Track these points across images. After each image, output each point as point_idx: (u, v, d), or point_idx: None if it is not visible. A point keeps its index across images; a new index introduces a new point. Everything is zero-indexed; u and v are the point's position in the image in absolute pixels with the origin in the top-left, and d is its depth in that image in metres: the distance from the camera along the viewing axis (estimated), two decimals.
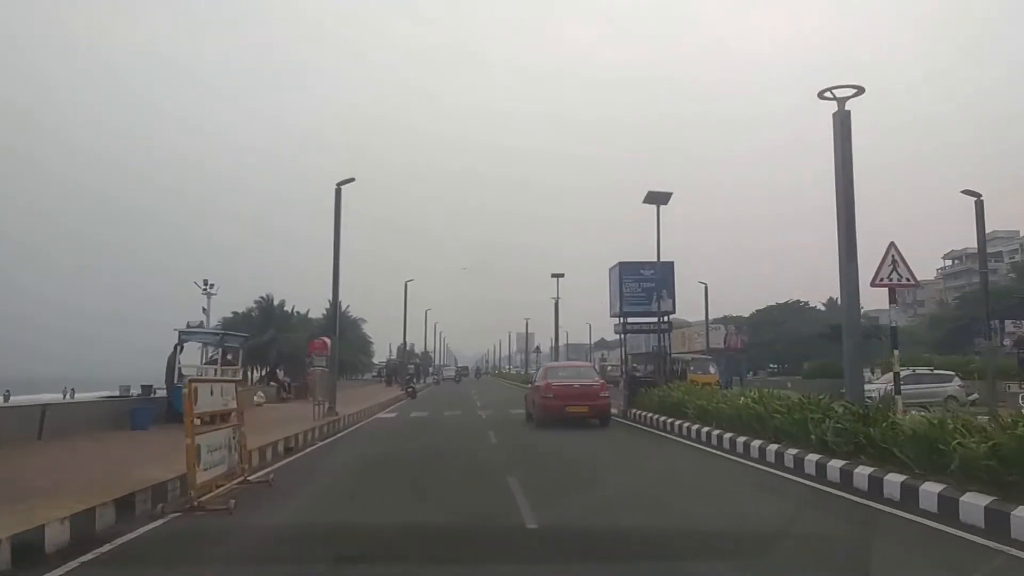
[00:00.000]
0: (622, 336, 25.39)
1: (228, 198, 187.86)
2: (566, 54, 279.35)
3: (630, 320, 23.62)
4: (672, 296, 22.60)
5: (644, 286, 22.74)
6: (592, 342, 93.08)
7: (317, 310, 78.93)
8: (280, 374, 30.07)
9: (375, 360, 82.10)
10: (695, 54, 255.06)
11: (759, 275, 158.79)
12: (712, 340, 46.58)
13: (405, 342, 45.52)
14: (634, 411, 21.37)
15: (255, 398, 25.66)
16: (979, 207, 23.30)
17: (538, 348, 61.37)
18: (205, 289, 51.29)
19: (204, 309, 51.37)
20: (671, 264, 22.77)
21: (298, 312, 79.37)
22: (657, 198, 21.76)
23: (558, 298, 40.17)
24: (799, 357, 61.22)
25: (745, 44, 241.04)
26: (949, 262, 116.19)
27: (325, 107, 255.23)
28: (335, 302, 22.89)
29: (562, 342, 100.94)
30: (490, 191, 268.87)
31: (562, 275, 40.20)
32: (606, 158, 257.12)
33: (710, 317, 78.51)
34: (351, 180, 22.70)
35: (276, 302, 71.29)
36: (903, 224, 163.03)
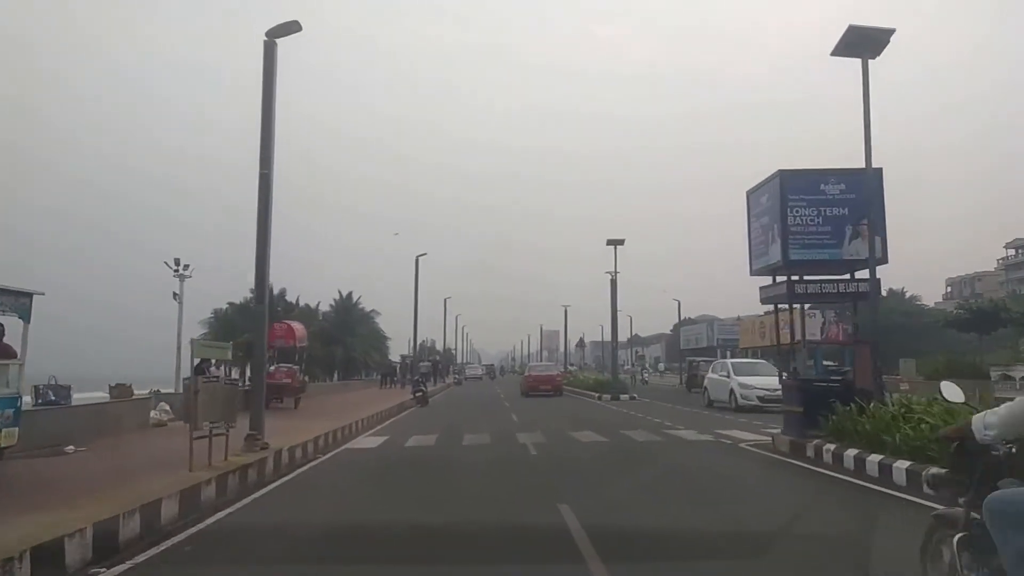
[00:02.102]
0: (782, 309, 14.64)
1: (232, 190, 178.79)
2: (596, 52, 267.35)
3: (798, 276, 12.83)
4: (882, 232, 11.87)
5: (829, 214, 11.95)
6: (630, 336, 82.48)
7: (328, 303, 69.14)
8: (218, 371, 19.51)
9: (392, 358, 72.16)
10: (722, 48, 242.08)
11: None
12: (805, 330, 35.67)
13: (416, 331, 34.36)
14: (825, 447, 10.79)
15: (153, 414, 15.32)
16: None
17: (581, 340, 50.81)
18: (177, 270, 41.39)
19: (175, 295, 41.46)
20: (879, 173, 11.96)
21: (308, 305, 69.48)
22: (861, 44, 11.10)
23: (616, 272, 29.44)
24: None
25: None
26: (1012, 251, 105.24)
27: (342, 106, 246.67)
28: (263, 239, 12.24)
29: (588, 339, 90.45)
30: (504, 190, 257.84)
31: (621, 242, 29.42)
32: (624, 156, 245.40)
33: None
34: (294, 29, 12.23)
35: (276, 291, 61.29)
36: (961, 213, 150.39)
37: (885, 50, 11.13)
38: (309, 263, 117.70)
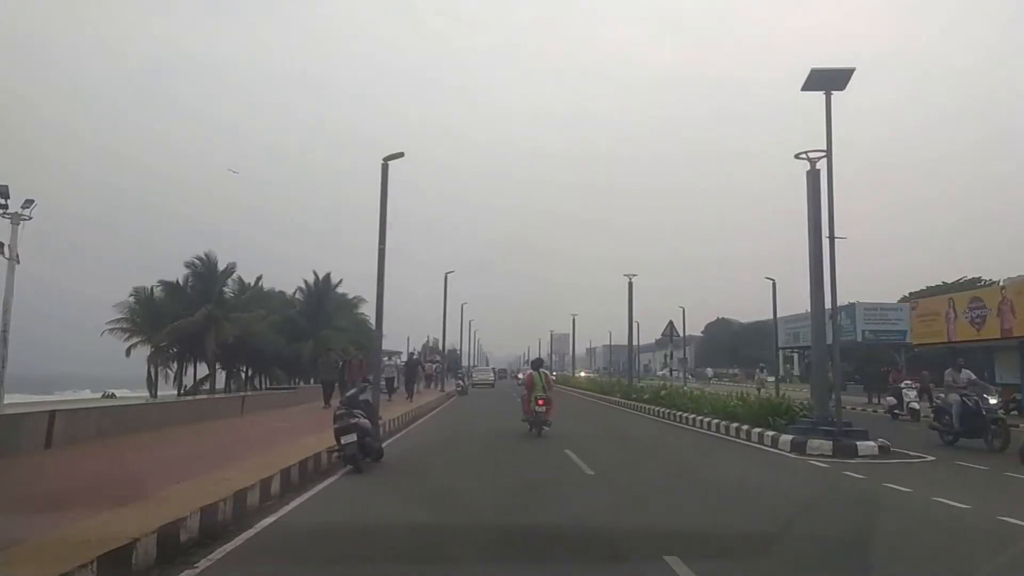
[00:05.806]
0: None
1: (236, 188, 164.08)
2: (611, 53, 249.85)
3: None
4: None
5: None
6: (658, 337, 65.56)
7: (301, 288, 52.17)
8: None
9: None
10: (736, 51, 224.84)
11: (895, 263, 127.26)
12: None
13: (381, 287, 16.51)
14: None
15: None
16: None
17: (672, 328, 34.39)
18: (4, 204, 24.76)
19: (2, 246, 24.90)
20: None
21: (283, 292, 52.38)
22: None
23: (825, 150, 12.76)
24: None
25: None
26: None
27: (353, 103, 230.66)
28: None
29: (597, 343, 74.99)
30: (511, 192, 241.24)
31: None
32: (634, 158, 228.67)
33: (839, 305, 46.85)
34: None
35: (221, 267, 44.24)
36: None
37: None
38: (312, 262, 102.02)
